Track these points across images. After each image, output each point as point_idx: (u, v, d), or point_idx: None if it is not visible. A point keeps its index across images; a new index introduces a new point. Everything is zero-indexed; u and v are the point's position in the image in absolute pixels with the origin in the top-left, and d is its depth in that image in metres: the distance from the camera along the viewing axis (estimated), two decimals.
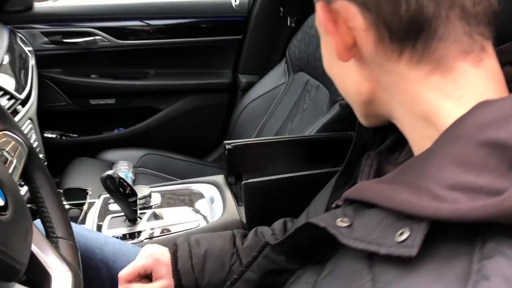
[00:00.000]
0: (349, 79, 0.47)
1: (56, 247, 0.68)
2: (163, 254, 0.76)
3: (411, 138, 0.45)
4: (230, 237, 0.79)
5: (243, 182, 1.06)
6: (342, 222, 0.41)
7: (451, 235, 0.33)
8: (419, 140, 0.43)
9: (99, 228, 1.05)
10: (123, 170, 1.61)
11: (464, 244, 0.32)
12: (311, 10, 1.87)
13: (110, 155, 1.78)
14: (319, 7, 0.43)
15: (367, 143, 0.58)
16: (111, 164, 1.67)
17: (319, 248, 0.50)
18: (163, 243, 0.92)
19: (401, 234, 0.34)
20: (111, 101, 1.93)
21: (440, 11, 0.39)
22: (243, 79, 2.04)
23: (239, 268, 0.68)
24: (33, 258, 0.59)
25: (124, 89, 1.93)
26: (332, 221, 0.42)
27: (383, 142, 0.56)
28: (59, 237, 0.70)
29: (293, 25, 1.88)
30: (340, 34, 0.42)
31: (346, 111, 1.32)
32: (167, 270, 0.74)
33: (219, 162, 2.10)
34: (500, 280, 0.29)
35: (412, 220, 0.34)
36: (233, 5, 1.94)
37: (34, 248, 0.60)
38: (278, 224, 0.83)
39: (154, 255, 0.75)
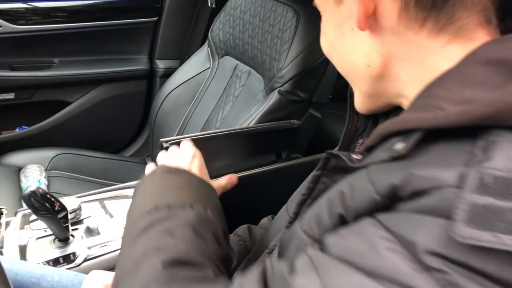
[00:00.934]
0: (359, 52, 0.47)
1: None
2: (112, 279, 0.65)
3: None
4: None
5: None
6: (356, 156, 0.45)
7: (452, 142, 0.35)
8: None
9: (22, 253, 0.89)
10: (34, 176, 1.41)
11: (464, 144, 0.34)
12: None
13: (16, 158, 1.56)
14: None
15: (358, 129, 0.58)
16: (18, 170, 1.46)
17: None
18: (107, 264, 0.81)
19: (398, 146, 0.38)
20: (10, 95, 1.68)
21: None
22: (161, 64, 1.90)
23: None
24: None
25: (25, 81, 1.69)
26: (348, 154, 0.46)
27: (374, 126, 0.56)
28: None
29: (213, 5, 1.76)
30: (363, 0, 0.42)
31: (286, 97, 1.26)
32: None
33: (140, 156, 1.95)
34: (504, 159, 0.31)
35: (409, 133, 0.38)
36: None
37: None
38: (242, 229, 0.79)
39: (103, 284, 0.66)
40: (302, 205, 0.55)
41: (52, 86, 1.74)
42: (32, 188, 0.82)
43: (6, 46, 1.65)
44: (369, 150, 0.45)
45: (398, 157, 0.38)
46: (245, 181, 1.05)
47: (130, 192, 1.10)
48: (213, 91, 1.57)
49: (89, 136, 1.84)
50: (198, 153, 0.76)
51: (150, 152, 1.86)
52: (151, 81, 1.91)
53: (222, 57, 1.58)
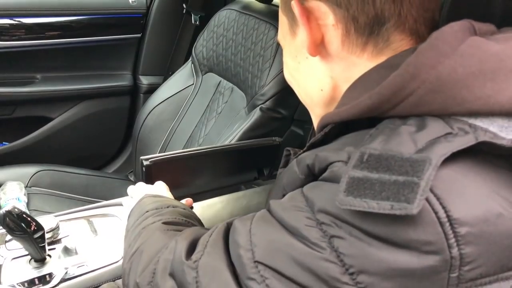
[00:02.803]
0: (313, 77, 0.55)
1: None
2: None
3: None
4: None
5: None
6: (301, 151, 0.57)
7: (356, 132, 0.46)
8: None
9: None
10: (13, 194, 1.38)
11: (362, 134, 0.44)
12: (216, 7, 1.80)
13: None
14: (295, 5, 0.50)
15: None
16: None
17: None
18: (83, 285, 0.79)
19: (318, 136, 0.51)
20: None
21: (399, 10, 0.47)
22: (144, 80, 1.89)
23: None
24: None
25: (6, 97, 1.66)
26: (298, 150, 0.64)
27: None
28: None
29: (197, 23, 1.77)
30: (311, 30, 0.50)
31: (268, 114, 1.27)
32: None
33: (122, 172, 1.93)
34: (381, 141, 0.40)
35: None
36: (130, 1, 1.78)
37: None
38: None
39: None
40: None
41: (34, 102, 1.72)
42: (8, 208, 0.80)
43: None
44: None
45: (316, 144, 0.51)
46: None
47: (112, 210, 1.09)
48: (196, 107, 1.57)
49: (71, 152, 1.82)
50: (162, 183, 0.92)
51: (133, 168, 1.85)
52: (135, 97, 1.91)
53: (205, 73, 1.59)
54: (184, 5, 1.80)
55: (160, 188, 0.89)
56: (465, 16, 0.46)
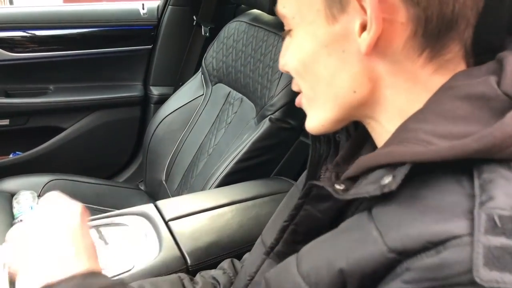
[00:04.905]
0: (346, 74, 0.44)
1: None
2: None
3: (381, 136, 0.47)
4: (177, 280, 0.74)
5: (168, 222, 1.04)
6: (339, 186, 0.44)
7: (441, 176, 0.36)
8: (388, 135, 0.44)
9: (12, 280, 0.88)
10: (27, 203, 1.41)
11: (458, 179, 0.35)
12: (226, 19, 1.82)
13: (8, 184, 1.55)
14: None
15: (322, 156, 0.58)
16: (10, 196, 1.46)
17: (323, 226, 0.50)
18: None
19: (386, 179, 0.38)
20: (4, 122, 1.69)
21: (469, 14, 0.41)
22: (155, 91, 1.92)
23: None
24: None
25: (20, 108, 1.71)
26: (331, 184, 0.44)
27: (337, 152, 0.56)
28: None
29: (207, 34, 1.80)
30: (378, 24, 0.40)
31: (277, 125, 1.28)
32: None
33: (133, 181, 1.96)
34: (505, 197, 0.32)
35: (397, 167, 0.38)
36: (141, 13, 1.81)
37: None
38: (226, 263, 0.80)
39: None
40: (284, 231, 0.54)
41: (47, 112, 1.76)
42: (21, 218, 0.82)
43: (2, 73, 1.67)
44: (351, 179, 0.45)
45: (389, 192, 0.37)
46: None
47: (123, 219, 1.10)
48: (206, 118, 1.59)
49: (83, 161, 1.85)
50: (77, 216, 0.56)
51: (143, 178, 1.87)
52: (145, 107, 1.94)
53: (215, 84, 1.60)
54: (194, 17, 1.82)
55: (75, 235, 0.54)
56: None
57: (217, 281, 0.73)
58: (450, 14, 0.40)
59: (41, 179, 1.59)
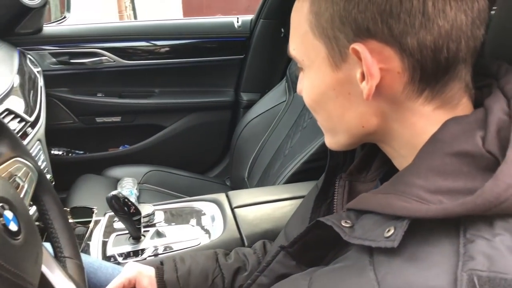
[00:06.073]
0: (354, 112, 0.49)
1: (63, 266, 0.72)
2: (146, 268, 0.79)
3: (396, 158, 0.52)
4: (213, 254, 0.83)
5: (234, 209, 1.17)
6: (346, 223, 0.48)
7: (433, 230, 0.40)
8: (403, 159, 0.49)
9: (104, 245, 1.09)
10: (128, 187, 1.65)
11: (447, 235, 0.39)
12: None
13: (116, 171, 1.83)
14: (366, 53, 0.43)
15: (339, 164, 0.64)
16: (116, 181, 1.72)
17: (325, 252, 0.55)
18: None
19: (388, 231, 0.41)
20: (117, 119, 1.99)
21: (465, 56, 0.44)
22: (244, 97, 2.09)
23: (221, 282, 0.75)
24: (43, 277, 0.63)
25: (130, 107, 1.99)
26: (338, 221, 0.48)
27: (352, 161, 0.62)
28: (66, 257, 0.74)
29: None
30: (373, 76, 0.44)
31: None
32: (149, 281, 0.77)
33: (221, 177, 2.14)
34: (483, 258, 0.35)
35: (397, 220, 0.41)
36: (236, 26, 2.00)
37: (43, 268, 0.64)
38: (258, 244, 0.87)
39: (137, 268, 0.79)
40: (295, 243, 0.58)
41: (151, 112, 2.03)
42: (114, 192, 1.02)
43: (117, 78, 1.96)
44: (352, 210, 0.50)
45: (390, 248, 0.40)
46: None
47: (198, 204, 1.27)
48: (285, 122, 1.71)
49: (178, 156, 2.08)
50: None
51: (230, 174, 2.05)
52: (235, 111, 2.11)
53: (296, 92, 1.72)
54: (282, 30, 1.97)
55: None
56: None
57: (247, 259, 0.81)
58: (445, 61, 0.43)
59: (142, 169, 1.84)
